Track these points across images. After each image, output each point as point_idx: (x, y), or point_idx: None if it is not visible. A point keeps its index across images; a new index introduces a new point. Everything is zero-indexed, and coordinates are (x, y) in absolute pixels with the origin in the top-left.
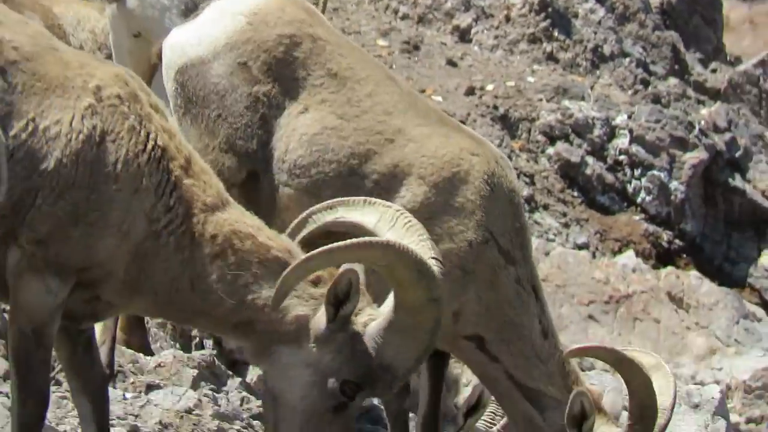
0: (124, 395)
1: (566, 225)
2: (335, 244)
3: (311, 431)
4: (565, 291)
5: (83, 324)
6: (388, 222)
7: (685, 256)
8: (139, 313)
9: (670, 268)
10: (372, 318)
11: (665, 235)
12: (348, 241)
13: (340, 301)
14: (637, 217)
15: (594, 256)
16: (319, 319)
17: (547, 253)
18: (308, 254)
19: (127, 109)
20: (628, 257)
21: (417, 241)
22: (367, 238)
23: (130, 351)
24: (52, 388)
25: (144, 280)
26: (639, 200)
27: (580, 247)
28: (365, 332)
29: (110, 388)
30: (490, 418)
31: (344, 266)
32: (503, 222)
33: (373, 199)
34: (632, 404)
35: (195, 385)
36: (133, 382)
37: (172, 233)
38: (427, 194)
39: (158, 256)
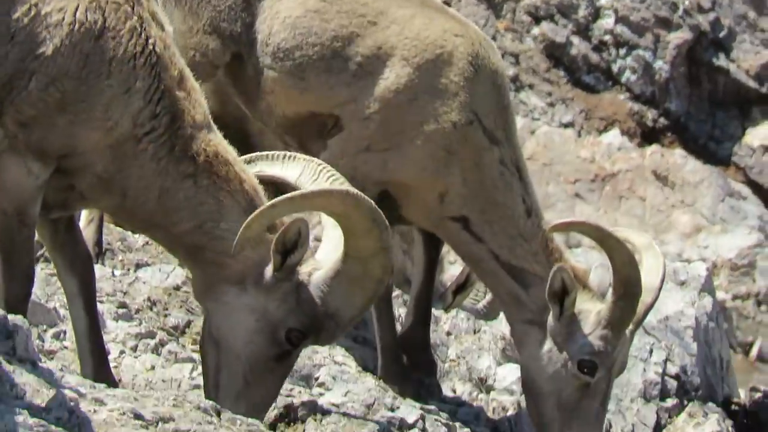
0: (112, 272)
1: (551, 104)
2: (297, 192)
3: (254, 378)
4: (551, 169)
5: (53, 213)
6: (310, 176)
7: (669, 134)
8: (104, 211)
9: (655, 147)
10: (316, 268)
11: (650, 114)
12: (309, 190)
13: (288, 250)
14: (622, 96)
15: (579, 134)
16: (266, 266)
17: (532, 132)
18: (271, 201)
19: (130, 10)
20: (614, 136)
21: None
22: (328, 187)
23: (119, 229)
24: (41, 266)
25: (118, 181)
26: (624, 79)
27: (565, 126)
28: (310, 281)
29: (98, 266)
30: (474, 295)
31: (293, 216)
32: (487, 103)
33: (294, 153)
34: (616, 280)
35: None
36: (121, 260)
37: (152, 141)
38: (410, 76)
39: (135, 160)
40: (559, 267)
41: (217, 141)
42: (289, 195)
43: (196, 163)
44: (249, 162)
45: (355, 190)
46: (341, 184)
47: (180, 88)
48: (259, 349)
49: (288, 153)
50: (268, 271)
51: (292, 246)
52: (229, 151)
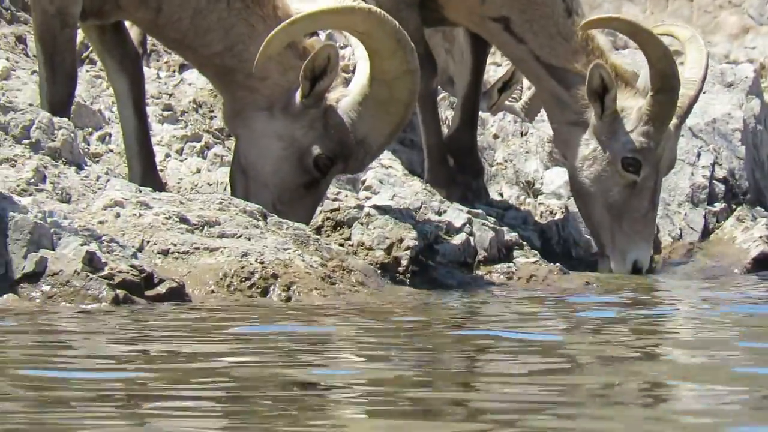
0: (157, 74)
1: None
2: (317, 9)
3: (283, 207)
4: None
5: (88, 21)
6: None
7: None
8: (138, 25)
9: None
10: (344, 95)
11: None
12: (331, 6)
13: (317, 77)
14: None
15: None
16: (295, 93)
17: None
18: (292, 18)
19: None
20: None
21: None
22: (350, 4)
23: None
24: (86, 68)
25: None
26: None
27: None
28: (338, 107)
29: (143, 68)
30: (513, 94)
31: (324, 42)
32: None
33: None
34: (652, 75)
35: None
36: (166, 61)
37: None
38: None
39: None
40: (597, 63)
41: None
42: (309, 11)
43: None
44: None
45: (379, 9)
46: None
47: None
48: (288, 177)
49: None
50: (297, 97)
51: (321, 72)
52: None
